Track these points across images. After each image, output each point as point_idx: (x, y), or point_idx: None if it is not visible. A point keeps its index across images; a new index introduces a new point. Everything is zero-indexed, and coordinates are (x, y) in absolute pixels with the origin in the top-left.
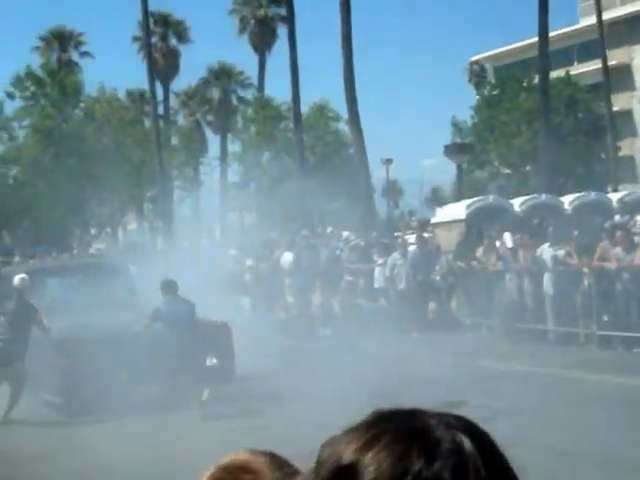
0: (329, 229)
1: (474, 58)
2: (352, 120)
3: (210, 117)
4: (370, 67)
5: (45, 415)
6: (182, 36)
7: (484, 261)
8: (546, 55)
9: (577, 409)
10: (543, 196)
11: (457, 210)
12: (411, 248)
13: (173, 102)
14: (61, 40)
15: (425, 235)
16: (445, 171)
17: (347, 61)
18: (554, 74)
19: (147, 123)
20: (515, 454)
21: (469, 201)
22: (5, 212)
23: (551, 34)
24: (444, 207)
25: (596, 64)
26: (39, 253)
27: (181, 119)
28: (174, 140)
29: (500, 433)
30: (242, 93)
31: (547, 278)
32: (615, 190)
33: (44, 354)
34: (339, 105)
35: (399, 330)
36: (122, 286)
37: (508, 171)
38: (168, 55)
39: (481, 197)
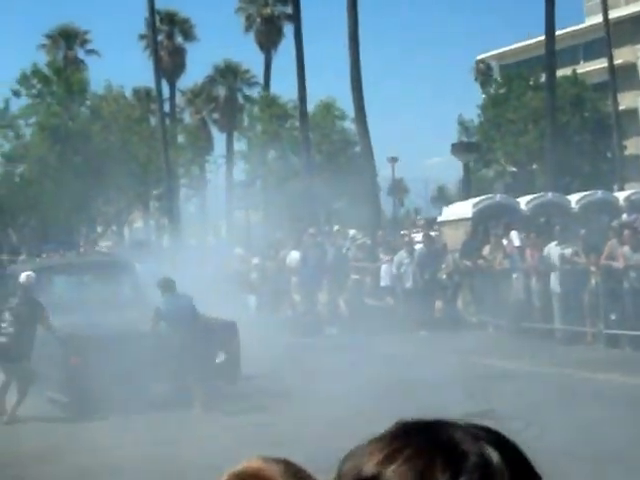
0: (336, 227)
1: (480, 57)
2: (358, 118)
3: (216, 115)
4: (376, 66)
5: (51, 413)
6: (188, 34)
7: (491, 260)
8: (553, 53)
9: (584, 408)
10: (550, 195)
11: (464, 209)
12: (418, 247)
13: (179, 100)
14: (67, 38)
15: (432, 234)
16: (451, 170)
17: (354, 59)
18: (560, 73)
19: (153, 121)
20: None
21: (476, 200)
22: (11, 210)
23: (557, 33)
24: (451, 206)
25: (602, 63)
26: (46, 251)
27: (187, 117)
28: (180, 138)
29: (508, 433)
30: (248, 91)
31: (554, 277)
32: (621, 189)
33: (50, 352)
34: (345, 103)
35: (406, 329)
36: (129, 284)
37: (514, 169)
38: (174, 53)
39: (488, 196)
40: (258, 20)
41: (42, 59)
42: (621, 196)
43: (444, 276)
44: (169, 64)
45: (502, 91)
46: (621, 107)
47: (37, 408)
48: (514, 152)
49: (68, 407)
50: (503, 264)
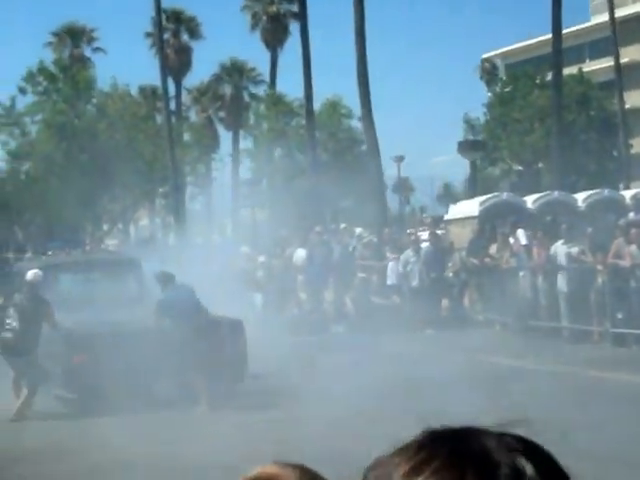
0: (343, 225)
1: (485, 55)
2: (365, 116)
3: (222, 113)
4: (382, 64)
5: (57, 411)
6: (194, 32)
7: (497, 258)
8: (560, 51)
9: (592, 407)
10: (556, 193)
11: (470, 207)
12: (424, 245)
13: (185, 98)
14: (73, 36)
15: (438, 232)
16: (457, 168)
17: (360, 57)
18: (566, 72)
19: (159, 119)
20: None
21: (482, 198)
22: (17, 207)
23: (563, 31)
24: (457, 204)
25: (608, 62)
26: (51, 249)
27: (193, 115)
28: (186, 136)
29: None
30: (254, 90)
31: (561, 275)
32: (627, 187)
33: (56, 350)
34: (351, 102)
35: (412, 327)
36: (134, 282)
37: (520, 168)
38: (180, 51)
39: (495, 194)
40: (264, 18)
41: (48, 57)
42: (628, 195)
43: (451, 274)
44: (175, 62)
45: (508, 90)
46: (627, 106)
47: (43, 405)
48: (520, 151)
49: (74, 404)
50: (510, 262)
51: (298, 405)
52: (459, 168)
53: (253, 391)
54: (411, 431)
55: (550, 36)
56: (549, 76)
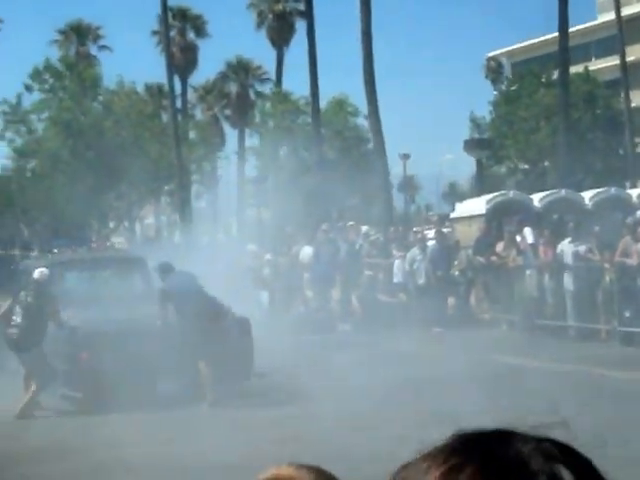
0: (350, 223)
1: (491, 54)
2: (371, 114)
3: (228, 111)
4: (387, 62)
5: (63, 409)
6: (200, 30)
7: (504, 256)
8: (566, 49)
9: (600, 406)
10: (563, 191)
11: (477, 205)
12: (430, 243)
13: (191, 96)
14: (79, 34)
15: (444, 230)
16: (462, 167)
17: (367, 55)
18: (572, 70)
19: (165, 117)
20: None
21: (489, 196)
22: (23, 205)
23: (569, 30)
24: (464, 202)
25: (614, 60)
26: (57, 247)
27: (199, 113)
28: (192, 134)
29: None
30: (260, 88)
31: (568, 274)
32: (634, 186)
33: (62, 348)
34: (357, 100)
35: (419, 325)
36: (141, 280)
37: (526, 167)
38: (186, 49)
39: (501, 192)
40: (270, 16)
41: (55, 54)
42: (634, 193)
43: (457, 273)
44: (181, 60)
45: (514, 88)
46: (633, 104)
47: (48, 404)
48: (525, 149)
49: (80, 403)
50: (516, 261)
51: (305, 403)
52: (465, 167)
53: (259, 389)
54: (419, 430)
55: (555, 35)
56: (555, 75)
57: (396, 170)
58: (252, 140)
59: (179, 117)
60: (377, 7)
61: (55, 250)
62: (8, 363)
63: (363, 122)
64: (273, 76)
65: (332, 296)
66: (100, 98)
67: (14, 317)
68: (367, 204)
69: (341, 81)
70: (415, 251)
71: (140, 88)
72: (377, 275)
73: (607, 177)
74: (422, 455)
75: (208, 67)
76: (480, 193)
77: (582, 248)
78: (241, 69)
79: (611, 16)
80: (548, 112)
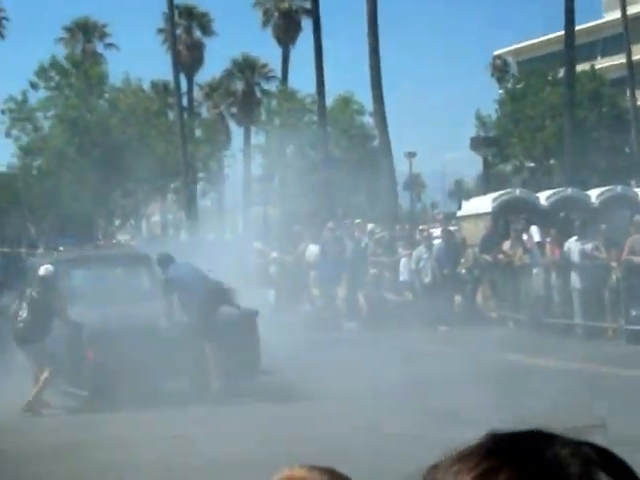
0: (357, 220)
1: (497, 52)
2: (377, 113)
3: (234, 109)
4: (393, 60)
5: (70, 407)
6: (206, 28)
7: (510, 254)
8: (572, 47)
9: (606, 404)
10: (569, 190)
11: (483, 203)
12: (436, 241)
13: (197, 94)
14: (85, 31)
15: (450, 228)
16: (468, 165)
17: (373, 54)
18: (578, 68)
19: (171, 115)
20: None
21: (495, 194)
22: (29, 203)
23: (575, 28)
24: (470, 200)
25: (620, 59)
26: (63, 245)
27: (205, 111)
28: (198, 132)
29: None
30: (266, 86)
31: (575, 272)
32: (639, 185)
33: (69, 346)
34: (363, 98)
35: (425, 324)
36: (147, 277)
37: (532, 165)
38: (192, 47)
39: (507, 190)
40: (276, 14)
41: (60, 52)
42: None
43: (463, 271)
44: (187, 58)
45: (520, 86)
46: (639, 102)
47: (55, 402)
48: (531, 147)
49: (85, 401)
50: (523, 259)
51: (311, 402)
52: (470, 165)
53: (267, 388)
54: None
55: (561, 33)
56: (561, 73)
57: (401, 168)
58: (258, 138)
59: (185, 115)
60: (383, 5)
61: (61, 248)
62: (15, 363)
63: (369, 120)
64: (279, 74)
65: (338, 294)
66: (106, 96)
67: (20, 312)
68: (373, 202)
69: (347, 79)
70: (421, 249)
71: (146, 86)
72: (383, 273)
73: (613, 175)
74: (453, 456)
75: (214, 65)
76: (486, 191)
77: (589, 246)
78: (247, 67)
79: (617, 15)
80: (554, 110)
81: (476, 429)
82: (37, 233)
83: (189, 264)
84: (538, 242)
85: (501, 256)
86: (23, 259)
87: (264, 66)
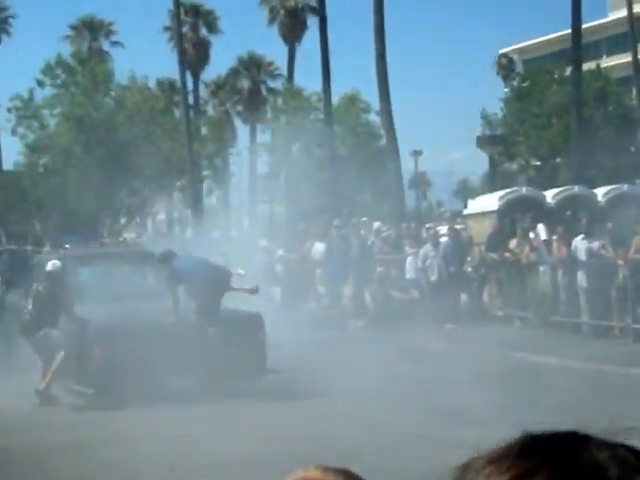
0: (364, 219)
1: (503, 51)
2: (384, 111)
3: (239, 107)
4: (399, 59)
5: (76, 405)
6: (212, 26)
7: (517, 253)
8: (579, 46)
9: (613, 403)
10: (576, 188)
11: (489, 201)
12: (443, 239)
13: (203, 92)
14: (92, 29)
15: (457, 227)
16: (473, 163)
17: (379, 52)
18: (584, 67)
19: (177, 113)
20: None
21: (501, 192)
22: (35, 201)
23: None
24: (476, 198)
25: (626, 57)
26: (71, 243)
27: (210, 109)
28: (203, 130)
29: (546, 429)
30: (272, 84)
31: (581, 271)
32: None
33: (74, 343)
34: (369, 96)
35: (431, 322)
36: (154, 275)
37: (537, 163)
38: (198, 45)
39: (514, 188)
40: (282, 12)
41: (67, 50)
42: None
43: (470, 269)
44: (193, 56)
45: (525, 84)
46: None
47: (61, 400)
48: (537, 146)
49: (92, 398)
50: (530, 257)
51: (318, 400)
52: (476, 164)
53: (271, 386)
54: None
55: (567, 32)
56: (567, 71)
57: (407, 166)
58: (264, 136)
59: (191, 113)
60: (390, 3)
61: (67, 246)
62: (21, 361)
63: (375, 118)
64: (285, 72)
65: (344, 292)
66: (112, 94)
67: (27, 305)
68: (379, 200)
69: (353, 77)
70: (428, 247)
71: (152, 84)
72: (389, 271)
73: (619, 174)
74: (484, 456)
75: (220, 63)
76: (492, 189)
77: (595, 245)
78: (253, 65)
79: (622, 13)
80: (560, 109)
81: (483, 428)
82: (43, 231)
83: (191, 255)
84: (545, 240)
85: (507, 254)
86: (29, 256)
87: (270, 64)
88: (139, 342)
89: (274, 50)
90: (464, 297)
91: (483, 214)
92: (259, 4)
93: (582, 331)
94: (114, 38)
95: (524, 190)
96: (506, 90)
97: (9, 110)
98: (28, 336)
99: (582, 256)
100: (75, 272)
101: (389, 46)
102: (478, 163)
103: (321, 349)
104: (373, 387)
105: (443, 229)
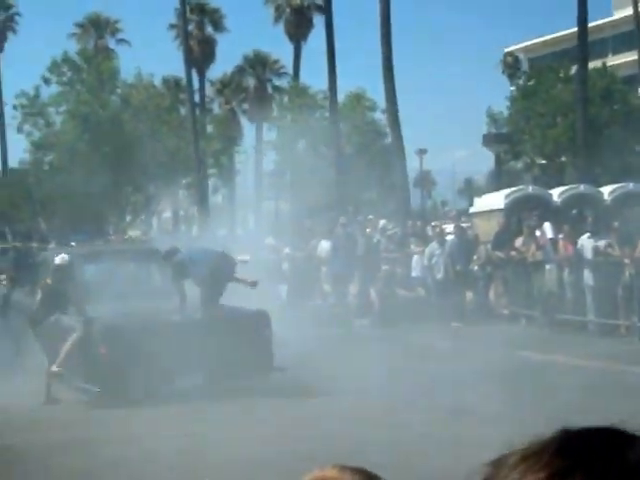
0: (370, 216)
1: (508, 49)
2: (389, 110)
3: (245, 105)
4: (404, 57)
5: (81, 403)
6: (218, 24)
7: (523, 251)
8: (585, 44)
9: (619, 402)
10: (582, 186)
11: (496, 199)
12: (449, 238)
13: (208, 90)
14: (97, 27)
15: (463, 225)
16: (478, 163)
17: (386, 50)
18: (589, 65)
19: (182, 111)
20: None
21: (508, 191)
22: (41, 198)
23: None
24: (483, 197)
25: (632, 56)
26: (76, 241)
27: (216, 107)
28: (209, 128)
29: (552, 428)
30: (277, 82)
31: (588, 269)
32: None
33: (82, 341)
34: (374, 94)
35: (437, 320)
36: (161, 273)
37: (543, 162)
38: (204, 43)
39: (520, 187)
40: (287, 10)
41: (73, 48)
42: None
43: (476, 267)
44: (199, 54)
45: (531, 83)
46: None
47: (67, 397)
48: (542, 144)
49: (97, 396)
50: (536, 256)
51: (324, 399)
52: (481, 162)
53: (280, 385)
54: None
55: (572, 31)
56: (572, 70)
57: (412, 165)
58: (270, 134)
59: (197, 111)
60: (395, 1)
61: (73, 243)
62: (27, 360)
63: (381, 117)
64: (290, 70)
65: (350, 290)
66: (118, 91)
67: (35, 298)
68: (384, 199)
69: (358, 75)
70: (434, 245)
71: (158, 82)
72: (395, 269)
73: (624, 173)
74: (517, 453)
75: (226, 61)
76: (498, 188)
77: (602, 243)
78: (259, 63)
79: (627, 12)
80: (565, 108)
81: (489, 426)
82: (48, 228)
83: (194, 245)
84: (551, 239)
85: (514, 253)
86: (34, 254)
87: (276, 62)
88: (145, 340)
89: (280, 48)
90: (470, 295)
91: (489, 212)
92: (265, 2)
93: (588, 330)
94: (120, 36)
95: (530, 189)
96: (512, 89)
97: (15, 107)
98: (36, 328)
99: (588, 254)
100: (81, 270)
101: (395, 44)
102: (482, 162)
103: (327, 347)
104: (378, 385)
105: (449, 227)
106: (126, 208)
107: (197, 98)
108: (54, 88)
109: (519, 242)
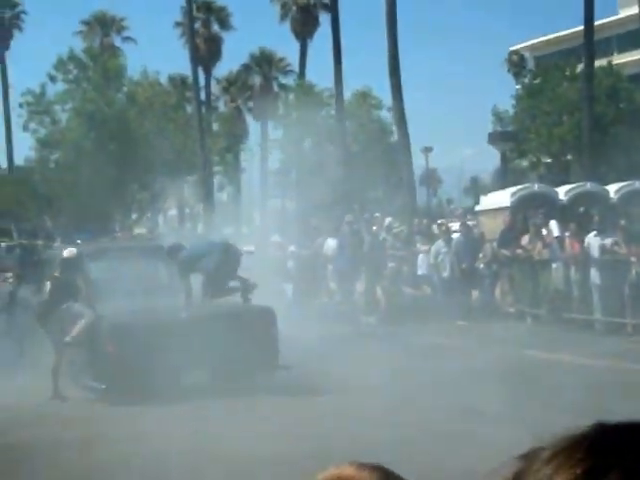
0: (377, 214)
1: (513, 48)
2: (396, 108)
3: (251, 104)
4: (410, 55)
5: (89, 401)
6: (224, 22)
7: (529, 249)
8: (591, 42)
9: (625, 401)
10: (588, 184)
11: (502, 198)
12: (455, 236)
13: (214, 88)
14: (104, 25)
15: (469, 223)
16: (484, 161)
17: (391, 49)
18: (595, 64)
19: (188, 109)
20: None
21: (514, 189)
22: (47, 196)
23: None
24: (488, 195)
25: (637, 54)
26: (82, 239)
27: (222, 105)
28: (215, 126)
29: (558, 427)
30: (283, 80)
31: (594, 267)
32: None
33: (89, 339)
34: (380, 92)
35: (443, 318)
36: (167, 271)
37: (548, 160)
38: (210, 41)
39: (526, 185)
40: (294, 8)
41: (79, 45)
42: None
43: (482, 266)
44: (205, 52)
45: (537, 81)
46: None
47: (73, 396)
48: (548, 143)
49: (106, 395)
50: (542, 254)
51: (330, 397)
52: (487, 160)
53: (286, 383)
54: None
55: (578, 29)
56: (578, 68)
57: (417, 163)
58: (275, 132)
59: (203, 109)
60: (400, 1)
61: (79, 241)
62: (33, 357)
63: (386, 115)
64: (296, 68)
65: (356, 288)
66: (124, 89)
67: (42, 292)
68: (390, 197)
69: (364, 73)
70: (440, 244)
71: (163, 79)
72: (401, 267)
73: (630, 171)
74: (552, 445)
75: (232, 59)
76: (504, 186)
77: (608, 241)
78: (265, 61)
79: (632, 10)
80: (571, 106)
81: (494, 425)
82: (54, 226)
83: (198, 238)
84: (557, 237)
85: (520, 251)
86: (40, 251)
87: (281, 60)
88: (152, 338)
89: (286, 46)
90: (476, 293)
91: (495, 210)
92: (271, 0)
93: (595, 328)
94: (126, 34)
95: (536, 187)
96: (517, 87)
97: (21, 105)
98: (44, 321)
99: (595, 253)
100: (87, 268)
101: (401, 43)
102: (488, 160)
103: (333, 345)
104: (384, 383)
105: (455, 225)
106: (132, 206)
107: (203, 96)
108: (60, 86)
109: (525, 240)
